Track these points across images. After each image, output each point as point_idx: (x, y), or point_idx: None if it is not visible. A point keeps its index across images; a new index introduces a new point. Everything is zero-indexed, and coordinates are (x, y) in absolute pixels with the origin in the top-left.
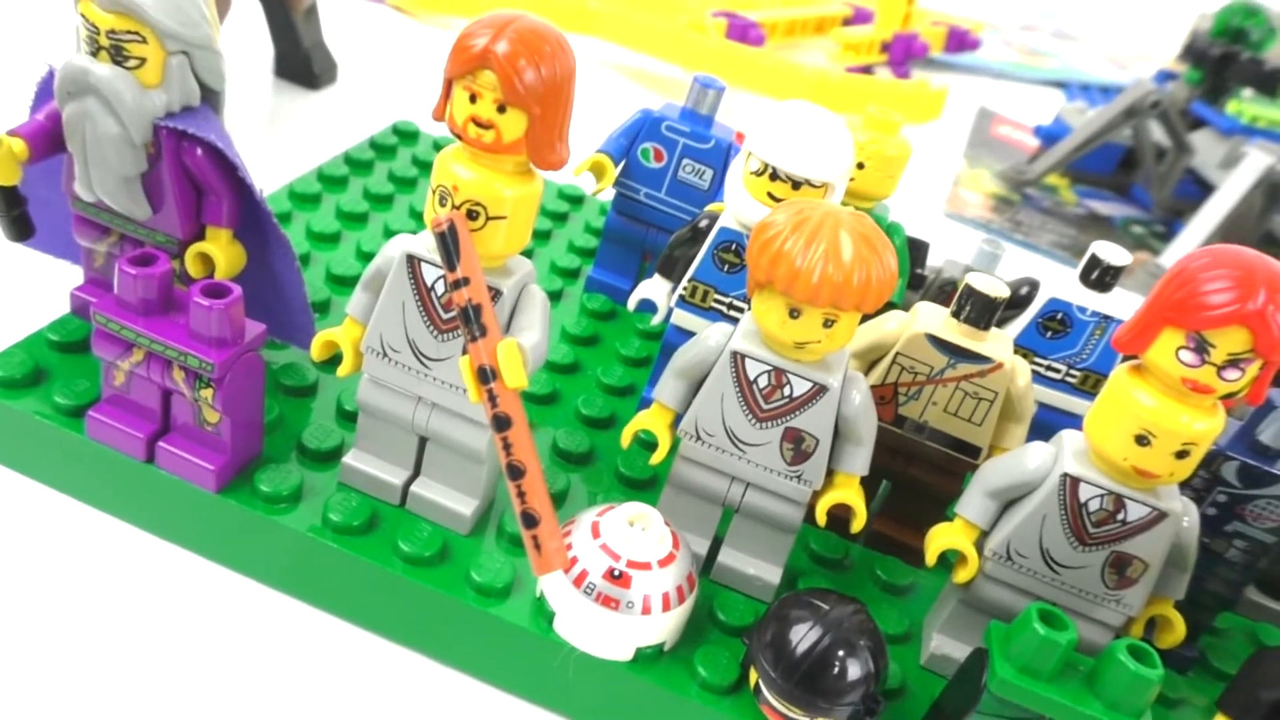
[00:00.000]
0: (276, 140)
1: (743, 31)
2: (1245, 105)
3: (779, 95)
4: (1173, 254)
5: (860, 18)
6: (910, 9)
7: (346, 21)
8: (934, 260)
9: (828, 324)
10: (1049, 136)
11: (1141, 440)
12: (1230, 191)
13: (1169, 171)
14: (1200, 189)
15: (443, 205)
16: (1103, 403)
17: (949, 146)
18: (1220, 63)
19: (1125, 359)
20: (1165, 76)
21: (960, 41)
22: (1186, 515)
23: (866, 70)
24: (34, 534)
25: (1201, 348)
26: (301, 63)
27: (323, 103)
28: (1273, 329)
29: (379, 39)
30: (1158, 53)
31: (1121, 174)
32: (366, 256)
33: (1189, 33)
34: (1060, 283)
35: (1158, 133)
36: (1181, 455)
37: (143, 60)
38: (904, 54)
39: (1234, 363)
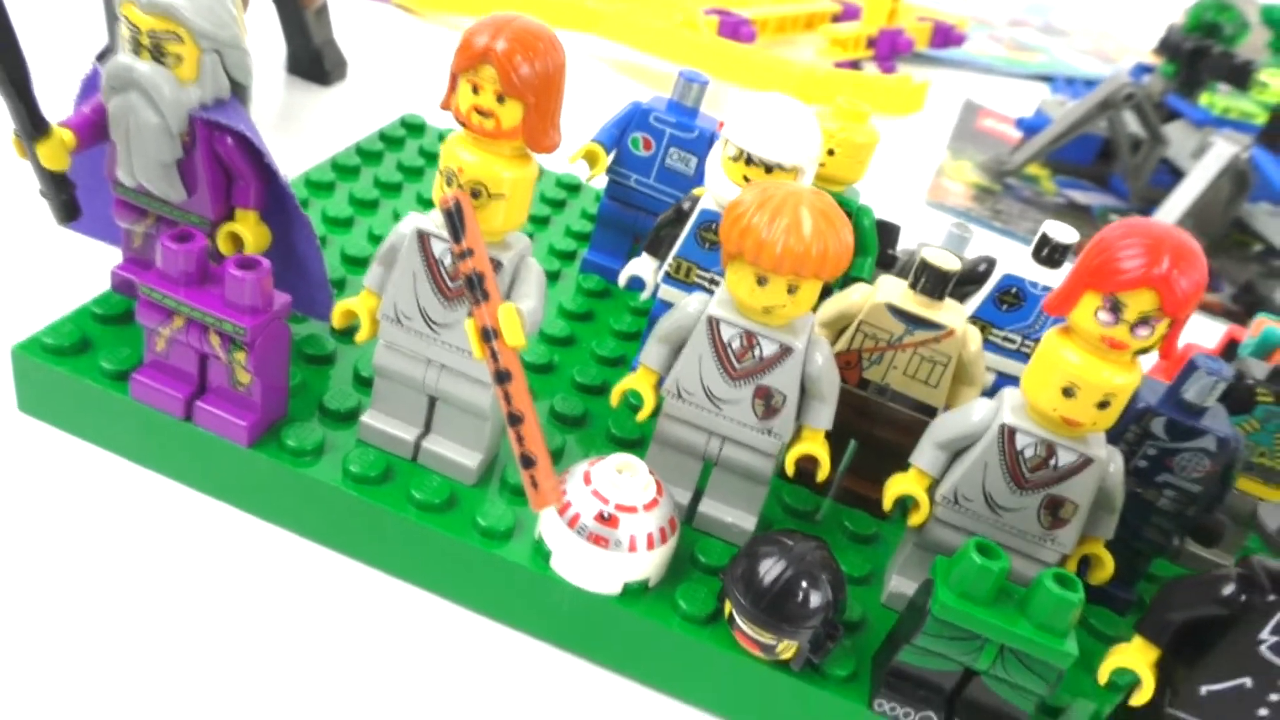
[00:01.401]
0: (291, 133)
1: (734, 28)
2: (1217, 97)
3: (767, 88)
4: None
5: (849, 14)
6: (896, 5)
7: (355, 20)
8: (908, 244)
9: (791, 290)
10: (1030, 128)
11: (1068, 392)
12: (1197, 179)
13: (1144, 161)
14: (1175, 178)
15: (449, 185)
16: (1035, 361)
17: (933, 138)
18: (1193, 56)
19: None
20: (1142, 70)
21: (945, 37)
22: (1112, 461)
23: (854, 65)
24: (82, 488)
25: (1116, 308)
26: (313, 60)
27: (334, 98)
28: (1176, 291)
29: (386, 37)
30: (1144, 46)
31: (1101, 164)
32: (377, 239)
33: (1166, 28)
34: (1017, 261)
35: (1134, 124)
36: (1103, 405)
37: (180, 58)
38: (889, 49)
39: (1144, 321)
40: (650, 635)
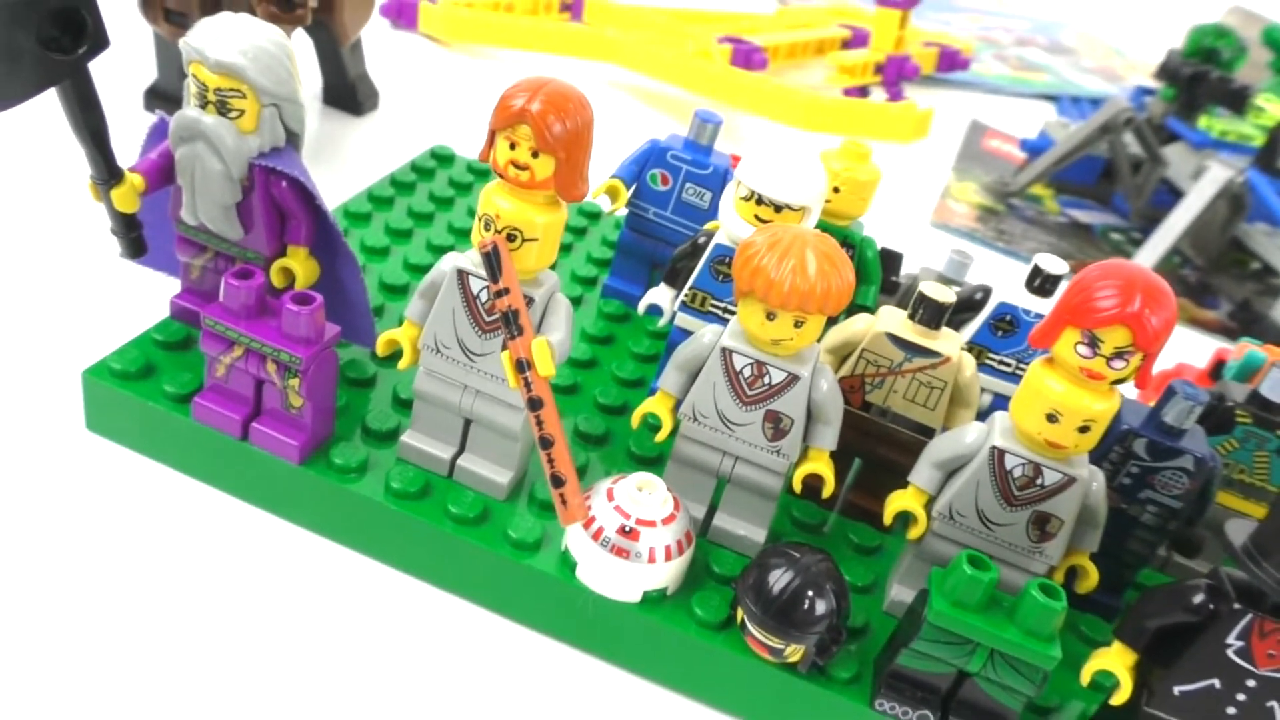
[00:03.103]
0: (326, 161)
1: (747, 56)
2: (1215, 120)
3: (776, 117)
4: (1141, 258)
5: (858, 40)
6: (902, 33)
7: (386, 51)
8: (911, 268)
9: (798, 324)
10: (1034, 149)
11: (1051, 418)
12: (1193, 202)
13: (1145, 182)
14: (1175, 198)
15: (487, 230)
16: (1022, 389)
17: (939, 159)
18: (1191, 81)
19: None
20: (1144, 92)
21: (951, 61)
22: (1094, 480)
23: (863, 90)
24: (146, 502)
25: (1093, 343)
26: (347, 92)
27: (367, 127)
28: (1147, 328)
29: (414, 67)
30: (1150, 64)
31: (1103, 184)
32: (412, 268)
33: (1166, 53)
34: (1010, 289)
35: (1134, 146)
36: (1083, 430)
37: (242, 111)
38: (896, 75)
39: (1119, 354)
40: (668, 640)
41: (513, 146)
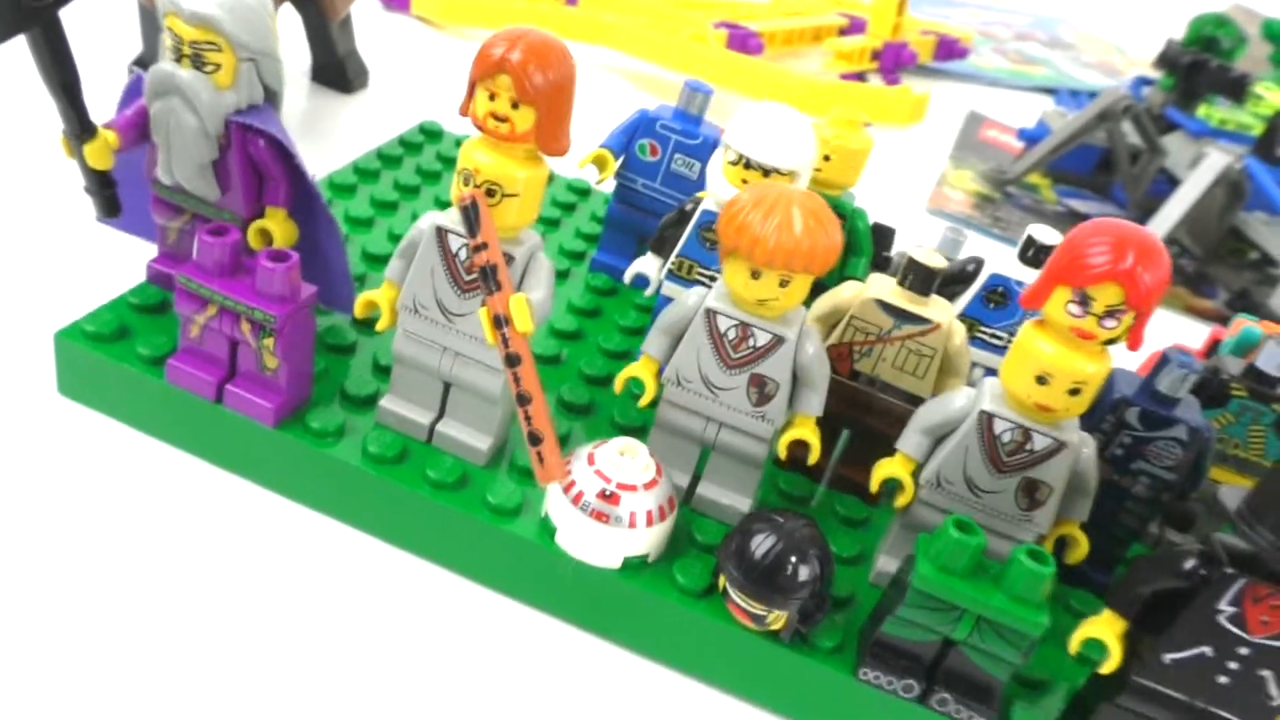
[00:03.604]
0: (315, 138)
1: (743, 41)
2: (1214, 109)
3: (772, 99)
4: None
5: (856, 27)
6: (900, 20)
7: (377, 31)
8: (904, 245)
9: (783, 284)
10: (1031, 139)
11: (1041, 380)
12: (1190, 189)
13: (1143, 171)
14: (1173, 187)
15: (466, 185)
16: (1012, 351)
17: (936, 148)
18: (1190, 70)
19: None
20: (1143, 82)
21: (949, 50)
22: (1084, 446)
23: (860, 77)
24: (118, 467)
25: (1085, 301)
26: (336, 69)
27: (356, 105)
28: (1140, 285)
29: (406, 47)
30: (1149, 60)
31: (1101, 174)
32: (396, 238)
33: (1165, 42)
34: (1004, 261)
35: (1133, 135)
36: (1074, 392)
37: (218, 66)
38: (894, 62)
39: (1111, 313)
40: (648, 607)
41: (492, 98)
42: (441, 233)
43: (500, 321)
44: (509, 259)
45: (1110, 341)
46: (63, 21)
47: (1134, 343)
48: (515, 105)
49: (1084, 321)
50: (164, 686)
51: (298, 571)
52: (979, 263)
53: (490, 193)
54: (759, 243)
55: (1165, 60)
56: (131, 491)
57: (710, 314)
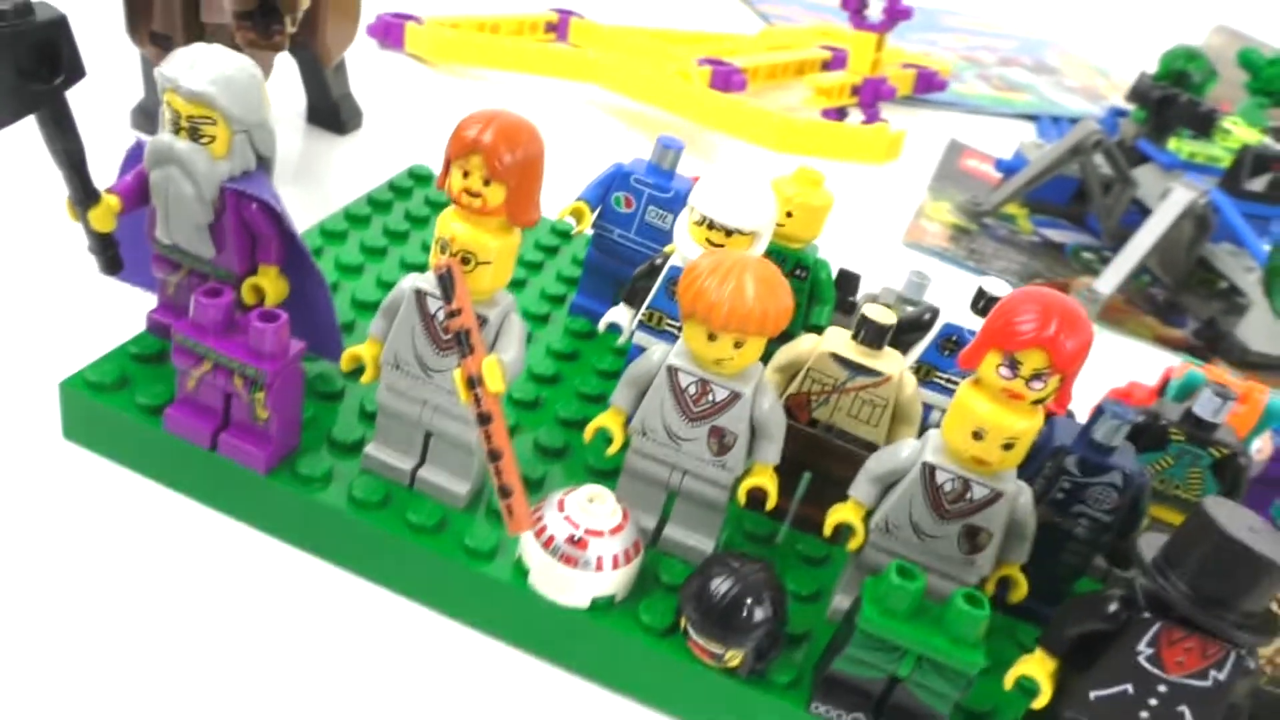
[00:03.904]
0: (310, 179)
1: (726, 78)
2: (1184, 143)
3: (750, 138)
4: (1107, 277)
5: (838, 61)
6: (878, 55)
7: (371, 69)
8: (875, 287)
9: (738, 345)
10: (1008, 170)
11: (977, 435)
12: (1157, 223)
13: (1115, 203)
14: (1145, 218)
15: (443, 252)
16: (951, 408)
17: (915, 179)
18: (1161, 104)
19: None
20: (1118, 113)
21: (928, 83)
22: (1021, 495)
23: (840, 112)
24: (118, 509)
25: (1013, 364)
26: (331, 112)
27: (350, 146)
28: (1062, 351)
29: (400, 87)
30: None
31: (1077, 204)
32: (386, 285)
33: (1138, 75)
34: (954, 310)
35: (1106, 167)
36: (1007, 447)
37: (213, 138)
38: (873, 96)
39: (1037, 376)
40: (615, 645)
41: (466, 175)
42: (420, 295)
43: (473, 382)
44: (483, 321)
45: (1038, 401)
46: (68, 101)
47: (1060, 403)
48: (487, 182)
49: (1013, 383)
50: (163, 718)
51: (286, 609)
52: (934, 311)
53: (465, 260)
54: (714, 308)
55: (1137, 94)
56: (132, 533)
57: (672, 370)
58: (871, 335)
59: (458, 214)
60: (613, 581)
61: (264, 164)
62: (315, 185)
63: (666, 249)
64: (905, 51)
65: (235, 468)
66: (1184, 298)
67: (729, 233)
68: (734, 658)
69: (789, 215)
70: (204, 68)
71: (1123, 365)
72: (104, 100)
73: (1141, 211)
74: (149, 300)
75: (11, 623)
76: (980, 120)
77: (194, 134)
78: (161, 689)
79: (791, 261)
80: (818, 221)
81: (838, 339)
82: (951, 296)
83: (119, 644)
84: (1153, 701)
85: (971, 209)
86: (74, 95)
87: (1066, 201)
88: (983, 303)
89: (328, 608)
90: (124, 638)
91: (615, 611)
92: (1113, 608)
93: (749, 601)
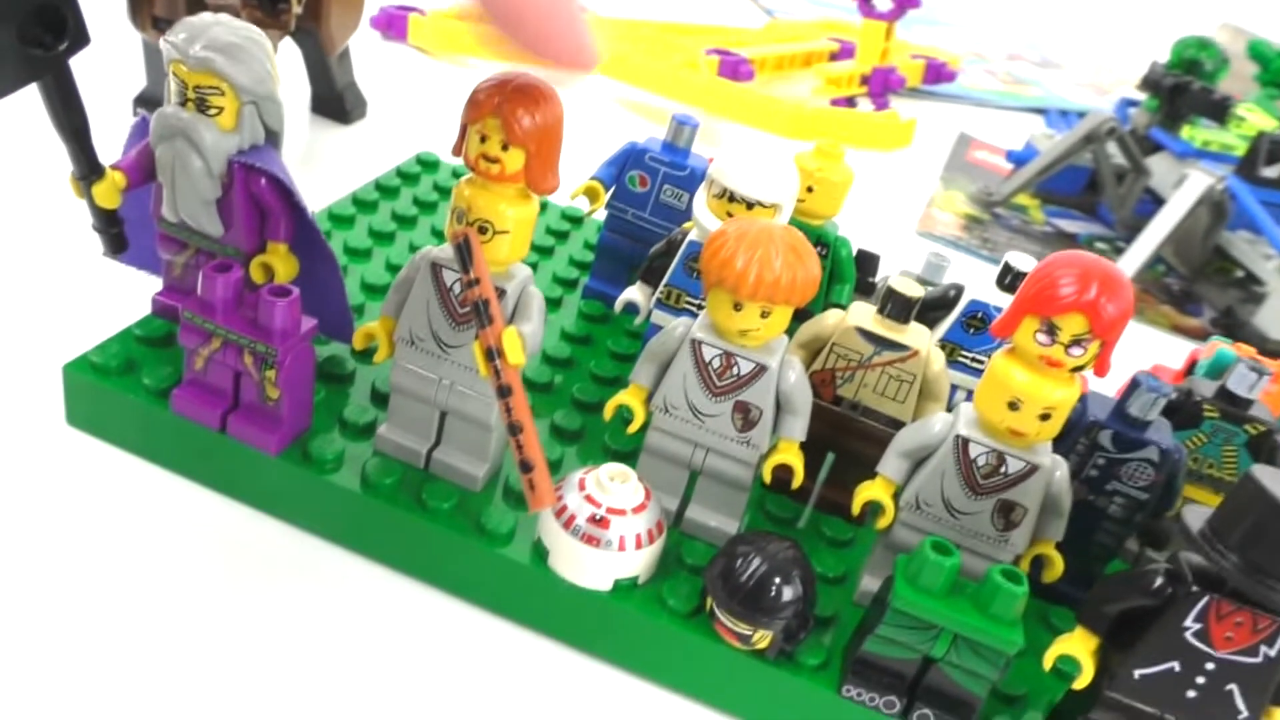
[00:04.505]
0: (315, 169)
1: (734, 68)
2: (1197, 130)
3: (762, 126)
4: (1122, 266)
5: (846, 53)
6: (887, 45)
7: (375, 60)
8: (891, 273)
9: (764, 315)
10: (1019, 160)
11: (1013, 406)
12: (1173, 210)
13: (1128, 192)
14: (1158, 207)
15: (459, 222)
16: (985, 379)
17: (925, 170)
18: (1174, 92)
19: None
20: (1129, 104)
21: (937, 74)
22: (1057, 469)
23: (849, 102)
24: (125, 496)
25: (1052, 330)
26: (335, 101)
27: (355, 136)
28: (1104, 315)
29: (403, 77)
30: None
31: (1088, 194)
32: (394, 269)
33: (1150, 64)
34: (990, 281)
35: (1118, 156)
36: (1044, 418)
37: (221, 109)
38: (882, 86)
39: (1077, 342)
40: (639, 627)
41: (483, 140)
42: (436, 267)
43: (492, 354)
44: (500, 293)
45: (1078, 369)
46: (72, 72)
47: (1100, 369)
48: (505, 147)
49: (1051, 350)
50: (173, 705)
51: (299, 595)
52: (959, 289)
53: (482, 230)
54: (740, 276)
55: (1149, 83)
56: (138, 520)
57: (695, 344)
58: (897, 308)
59: (474, 182)
60: (636, 562)
61: (273, 138)
62: (320, 174)
63: (685, 225)
64: (912, 44)
65: (245, 450)
66: (1200, 286)
67: (750, 205)
68: (762, 639)
69: (810, 190)
70: (212, 36)
71: (1140, 354)
72: (106, 90)
73: (1154, 201)
74: (154, 283)
75: (16, 616)
76: (988, 113)
77: (201, 105)
78: (171, 678)
79: (812, 238)
80: (838, 197)
81: (863, 313)
82: (967, 283)
83: (128, 637)
84: (1200, 679)
85: (984, 199)
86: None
87: (1078, 192)
88: (1009, 278)
89: (342, 593)
90: (133, 630)
91: (639, 593)
92: (1158, 582)
93: (777, 580)
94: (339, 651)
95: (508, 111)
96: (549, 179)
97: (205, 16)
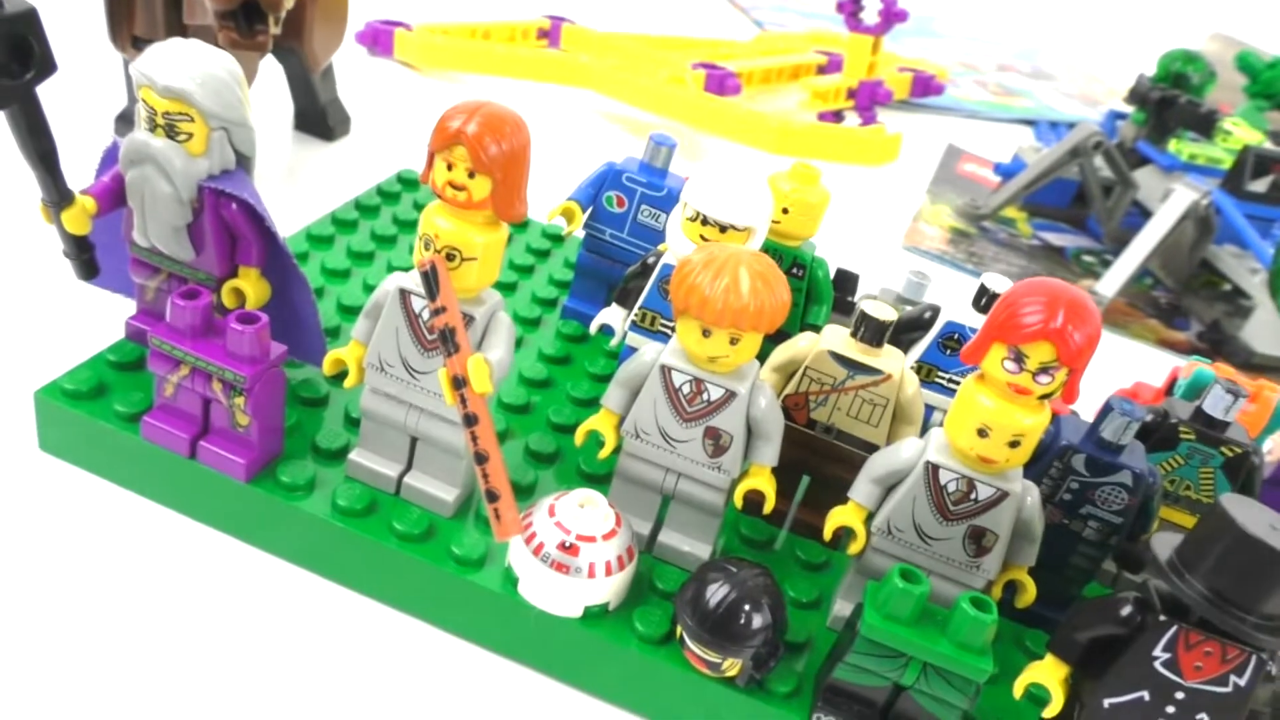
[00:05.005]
0: (298, 185)
1: (720, 82)
2: (1183, 144)
3: (748, 141)
4: (1109, 280)
5: (834, 66)
6: (874, 58)
7: (360, 75)
8: (874, 289)
9: (733, 342)
10: (1007, 173)
11: (982, 433)
12: (1159, 224)
13: (1116, 205)
14: (1146, 220)
15: (427, 249)
16: (954, 405)
17: (913, 183)
18: (1160, 106)
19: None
20: (1116, 116)
21: (925, 87)
22: (1028, 495)
23: (837, 115)
24: (97, 521)
25: (1019, 358)
26: (319, 117)
27: (338, 152)
28: (1070, 344)
29: (389, 93)
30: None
31: (1077, 207)
32: (372, 289)
33: (1136, 77)
34: (956, 308)
35: (1106, 169)
36: (1013, 445)
37: (190, 135)
38: (869, 100)
39: (1044, 370)
40: (609, 654)
41: (450, 167)
42: (404, 294)
43: (459, 383)
44: (469, 319)
45: (1046, 396)
46: (38, 98)
47: (1069, 397)
48: (472, 175)
49: (1019, 378)
50: None
51: (271, 621)
52: (935, 310)
53: (450, 257)
54: (708, 303)
55: (1136, 96)
56: (111, 545)
57: (665, 369)
58: (871, 332)
59: (442, 209)
60: (606, 589)
61: (244, 163)
62: (303, 191)
63: (659, 248)
64: (901, 57)
65: (215, 476)
66: (1187, 300)
67: (723, 229)
68: (732, 667)
69: (785, 212)
70: (180, 63)
71: (1126, 368)
72: (86, 108)
73: (1142, 214)
74: (127, 306)
75: None
76: (977, 125)
77: (170, 131)
78: (143, 702)
79: (788, 259)
80: (815, 218)
81: (836, 337)
82: (951, 299)
83: (100, 661)
84: (1170, 709)
85: (971, 212)
86: (53, 104)
87: (1066, 205)
88: (985, 299)
89: (313, 619)
90: (105, 654)
91: (609, 620)
92: (1127, 611)
93: (746, 608)
94: (310, 676)
95: (474, 140)
96: (516, 206)
97: (175, 42)
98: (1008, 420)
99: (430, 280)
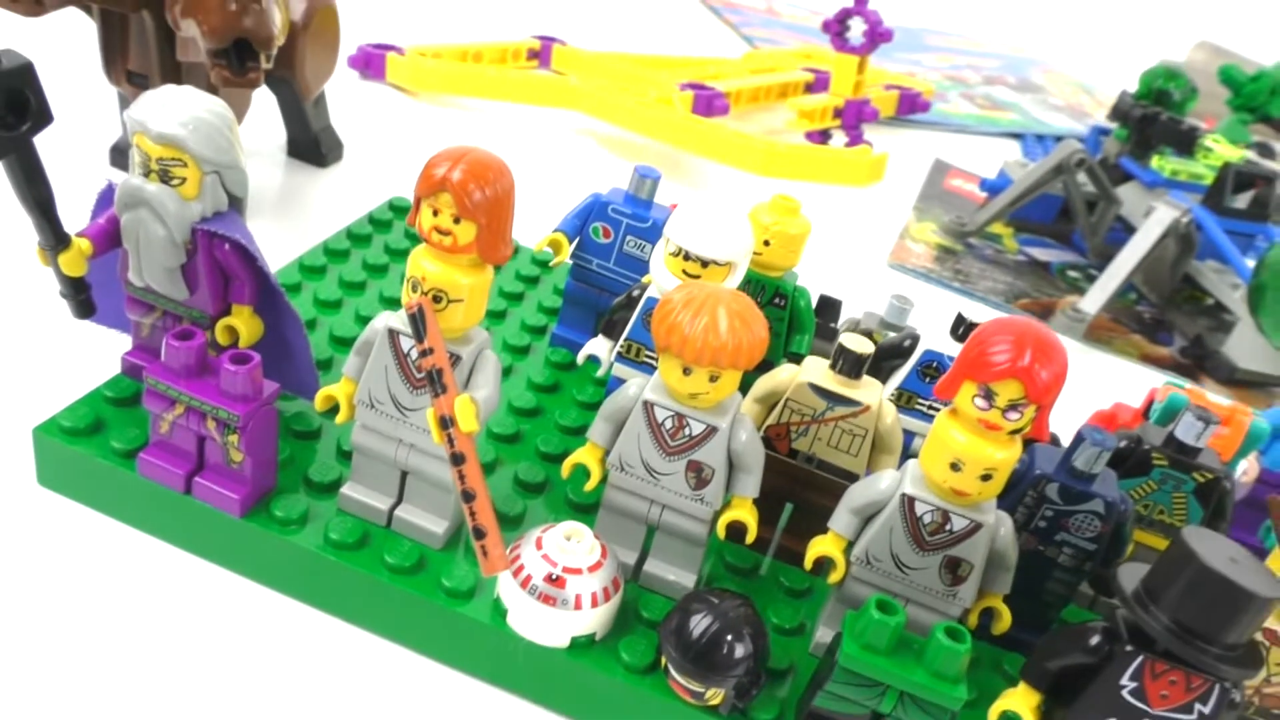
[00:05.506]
0: (290, 212)
1: (708, 103)
2: (1166, 160)
3: (734, 163)
4: (1092, 296)
5: (820, 84)
6: (861, 77)
7: (352, 99)
8: (858, 310)
9: (713, 379)
10: (993, 189)
11: (955, 467)
12: (1140, 242)
13: (1100, 220)
14: (1130, 235)
15: (414, 291)
16: (929, 439)
17: (900, 200)
18: (1142, 123)
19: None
20: (1100, 132)
21: (911, 105)
22: (1001, 525)
23: (824, 134)
24: (94, 554)
25: (989, 395)
26: (311, 144)
27: (331, 178)
28: (1038, 382)
29: (382, 117)
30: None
31: (1062, 222)
32: (364, 320)
33: (1119, 94)
34: (939, 333)
35: (1090, 185)
36: (985, 478)
37: (184, 179)
38: (855, 118)
39: (1013, 406)
40: (596, 684)
41: (435, 213)
42: (393, 334)
43: (446, 422)
44: (456, 359)
45: (1015, 431)
46: (35, 146)
47: (1038, 433)
48: (457, 220)
49: (989, 414)
50: None
51: (265, 653)
52: (915, 338)
53: (437, 299)
54: (688, 342)
55: (1118, 113)
56: (108, 578)
57: (648, 405)
58: (849, 365)
59: (429, 252)
60: (592, 619)
61: (236, 203)
62: (296, 219)
63: (644, 279)
64: (888, 73)
65: (210, 511)
66: (1170, 315)
67: (705, 264)
68: (715, 696)
69: (766, 244)
70: (173, 110)
71: (1110, 384)
72: (82, 139)
73: (1126, 229)
74: (124, 342)
75: None
76: (965, 139)
77: (164, 176)
78: None
79: (770, 290)
80: (796, 249)
81: (816, 369)
82: (936, 318)
83: (98, 692)
84: None
85: (956, 229)
86: (51, 134)
87: (1051, 220)
88: (962, 329)
89: (307, 650)
90: (103, 685)
91: (595, 650)
92: (1094, 640)
93: (729, 639)
94: (305, 706)
95: (458, 186)
96: (500, 250)
97: (168, 89)
98: (980, 454)
99: (418, 322)
